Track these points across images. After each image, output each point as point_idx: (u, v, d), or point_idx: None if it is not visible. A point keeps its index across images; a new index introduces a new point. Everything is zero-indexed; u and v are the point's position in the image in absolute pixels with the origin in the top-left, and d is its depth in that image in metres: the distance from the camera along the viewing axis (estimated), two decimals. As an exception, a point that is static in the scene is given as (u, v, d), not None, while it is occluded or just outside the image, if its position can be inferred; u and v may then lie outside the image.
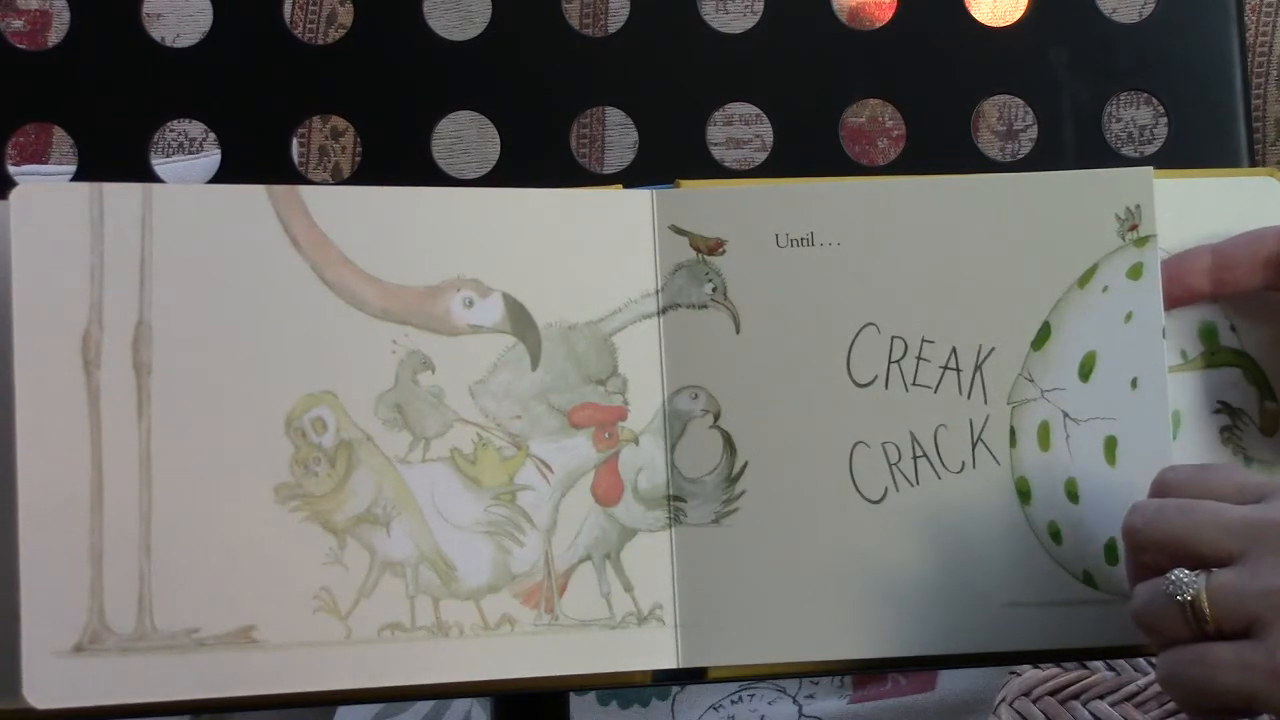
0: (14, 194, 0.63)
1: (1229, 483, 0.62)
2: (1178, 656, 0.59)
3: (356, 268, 0.66)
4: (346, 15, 0.79)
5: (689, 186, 0.70)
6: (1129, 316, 0.69)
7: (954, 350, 0.69)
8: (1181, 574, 0.59)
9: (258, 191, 0.65)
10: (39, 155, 1.79)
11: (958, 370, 0.69)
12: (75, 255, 0.63)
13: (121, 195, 0.64)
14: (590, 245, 0.68)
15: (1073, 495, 0.69)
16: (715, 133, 0.79)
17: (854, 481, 0.69)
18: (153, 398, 0.63)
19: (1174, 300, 0.69)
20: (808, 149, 0.79)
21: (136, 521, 0.63)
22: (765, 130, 0.79)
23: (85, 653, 0.62)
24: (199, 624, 0.63)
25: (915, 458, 0.69)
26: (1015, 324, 0.69)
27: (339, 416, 0.65)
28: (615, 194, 0.69)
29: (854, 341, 0.69)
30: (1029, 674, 1.09)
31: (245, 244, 0.65)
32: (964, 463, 0.69)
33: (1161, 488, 0.63)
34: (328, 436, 0.65)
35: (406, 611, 0.65)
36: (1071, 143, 0.79)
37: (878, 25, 0.80)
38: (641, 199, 0.69)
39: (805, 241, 0.69)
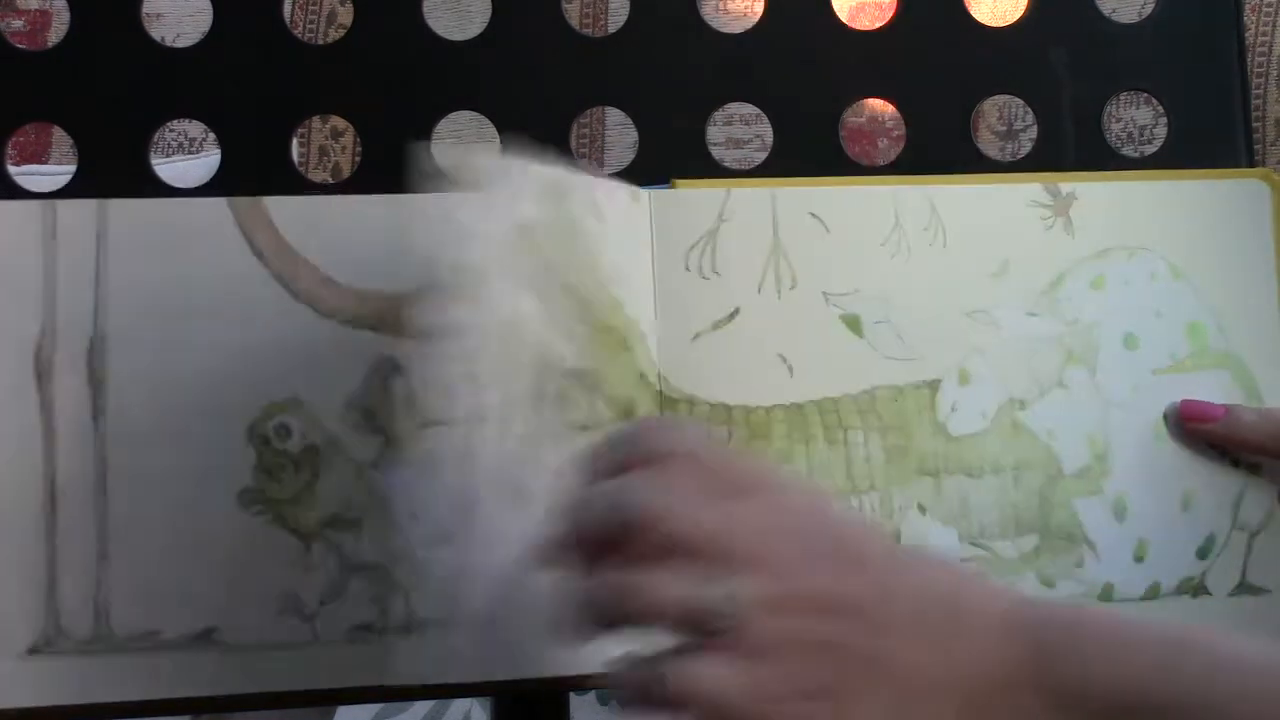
0: None
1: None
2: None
3: (325, 275, 0.66)
4: (346, 15, 0.78)
5: (684, 186, 0.70)
6: None
7: None
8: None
9: (218, 204, 0.66)
10: (39, 155, 1.79)
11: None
12: (27, 272, 0.64)
13: (75, 211, 0.65)
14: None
15: None
16: (715, 133, 0.79)
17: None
18: (108, 408, 0.64)
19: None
20: (808, 149, 0.79)
21: (92, 528, 0.63)
22: (765, 130, 0.79)
23: (40, 655, 0.63)
24: (159, 626, 0.63)
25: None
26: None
27: (306, 422, 0.65)
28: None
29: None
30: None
31: (205, 255, 0.65)
32: None
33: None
34: (293, 442, 0.65)
35: (376, 612, 0.65)
36: (1071, 143, 0.79)
37: (878, 25, 0.80)
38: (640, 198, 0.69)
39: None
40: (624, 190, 0.68)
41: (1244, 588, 0.70)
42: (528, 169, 0.65)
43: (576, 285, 0.66)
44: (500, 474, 0.62)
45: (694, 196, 0.69)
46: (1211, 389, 0.71)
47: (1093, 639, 0.54)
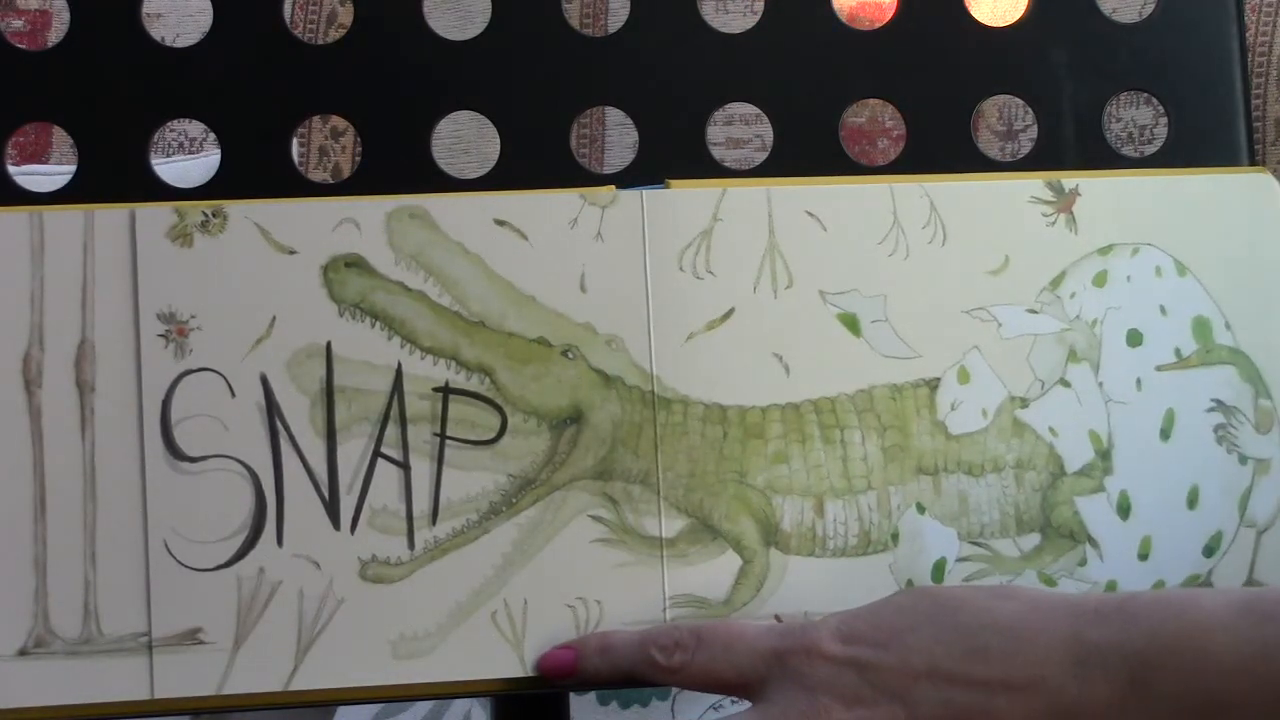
0: None
1: None
2: None
3: None
4: (346, 15, 0.79)
5: (678, 186, 0.70)
6: None
7: None
8: None
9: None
10: (39, 155, 1.79)
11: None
12: (15, 281, 0.65)
13: (61, 221, 0.65)
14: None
15: None
16: (715, 133, 0.79)
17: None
18: (96, 414, 0.64)
19: None
20: (808, 149, 0.79)
21: (80, 532, 0.64)
22: (765, 130, 0.79)
23: (30, 656, 0.63)
24: (146, 627, 0.63)
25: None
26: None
27: None
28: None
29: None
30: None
31: None
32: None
33: None
34: None
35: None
36: (1071, 143, 0.79)
37: (878, 25, 0.80)
38: (629, 200, 0.69)
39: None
40: (562, 202, 0.68)
41: (1252, 585, 0.70)
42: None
43: (458, 306, 0.67)
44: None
45: (688, 196, 0.69)
46: (1218, 385, 0.71)
47: (1172, 651, 0.57)
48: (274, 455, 0.65)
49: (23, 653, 0.63)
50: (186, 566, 0.64)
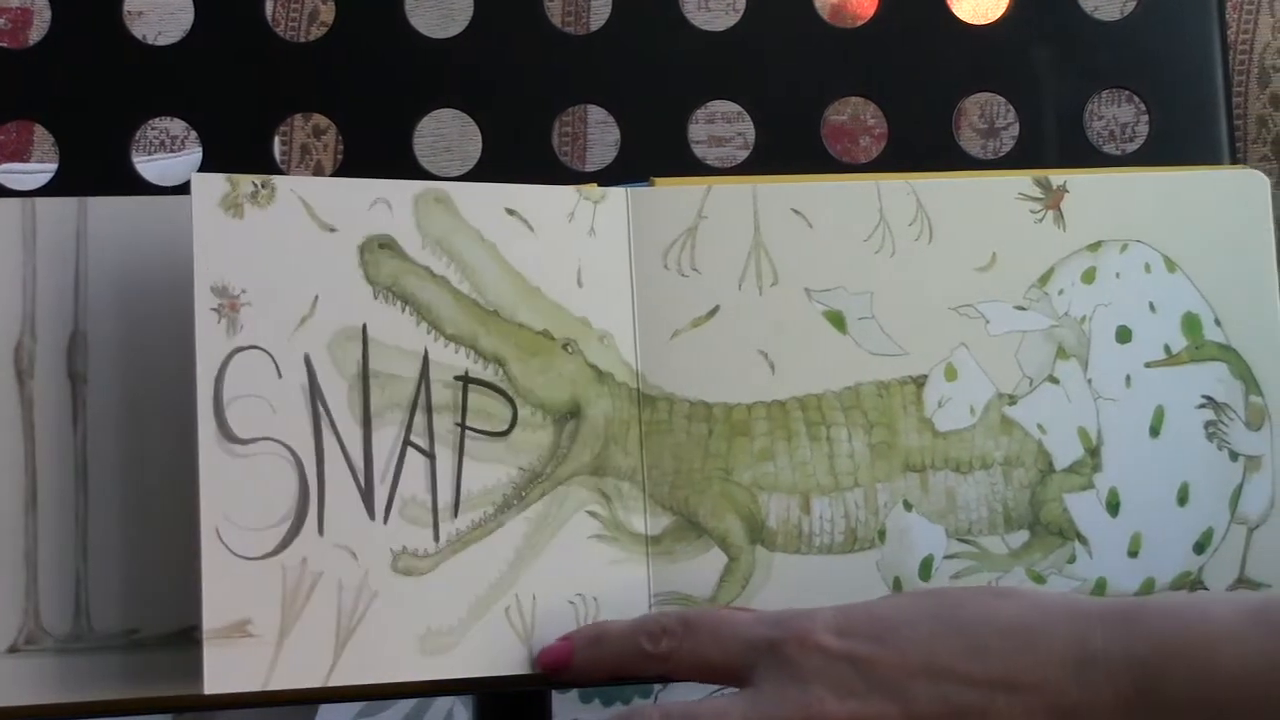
0: None
1: None
2: None
3: None
4: (328, 13, 0.79)
5: (663, 184, 0.69)
6: None
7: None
8: None
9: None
10: (20, 154, 1.78)
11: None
12: (6, 269, 0.64)
13: (54, 209, 0.64)
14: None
15: None
16: (697, 130, 0.79)
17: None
18: (88, 405, 0.64)
19: None
20: (790, 147, 0.79)
21: (72, 526, 0.63)
22: (747, 128, 0.79)
23: (20, 654, 0.62)
24: (138, 625, 0.63)
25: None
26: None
27: None
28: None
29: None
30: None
31: (186, 254, 0.63)
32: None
33: None
34: None
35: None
36: (1053, 140, 0.79)
37: (859, 23, 0.80)
38: (616, 197, 0.69)
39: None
40: (562, 195, 0.68)
41: (1243, 583, 0.70)
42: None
43: (476, 294, 0.66)
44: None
45: (673, 194, 0.69)
46: (1208, 382, 0.71)
47: (1179, 660, 0.57)
48: (316, 439, 0.63)
49: (13, 650, 0.63)
50: (236, 555, 0.62)
